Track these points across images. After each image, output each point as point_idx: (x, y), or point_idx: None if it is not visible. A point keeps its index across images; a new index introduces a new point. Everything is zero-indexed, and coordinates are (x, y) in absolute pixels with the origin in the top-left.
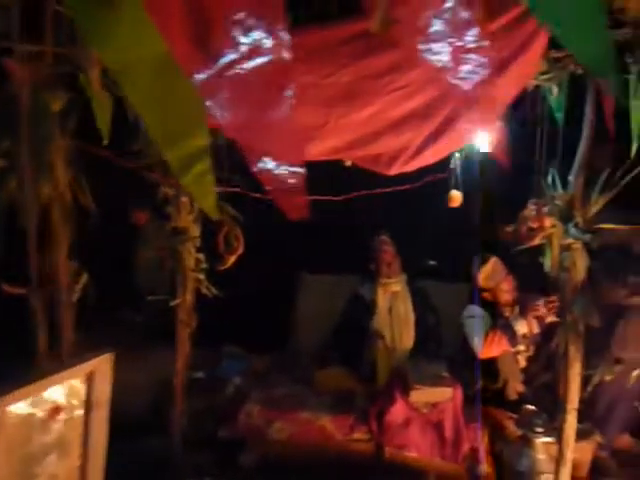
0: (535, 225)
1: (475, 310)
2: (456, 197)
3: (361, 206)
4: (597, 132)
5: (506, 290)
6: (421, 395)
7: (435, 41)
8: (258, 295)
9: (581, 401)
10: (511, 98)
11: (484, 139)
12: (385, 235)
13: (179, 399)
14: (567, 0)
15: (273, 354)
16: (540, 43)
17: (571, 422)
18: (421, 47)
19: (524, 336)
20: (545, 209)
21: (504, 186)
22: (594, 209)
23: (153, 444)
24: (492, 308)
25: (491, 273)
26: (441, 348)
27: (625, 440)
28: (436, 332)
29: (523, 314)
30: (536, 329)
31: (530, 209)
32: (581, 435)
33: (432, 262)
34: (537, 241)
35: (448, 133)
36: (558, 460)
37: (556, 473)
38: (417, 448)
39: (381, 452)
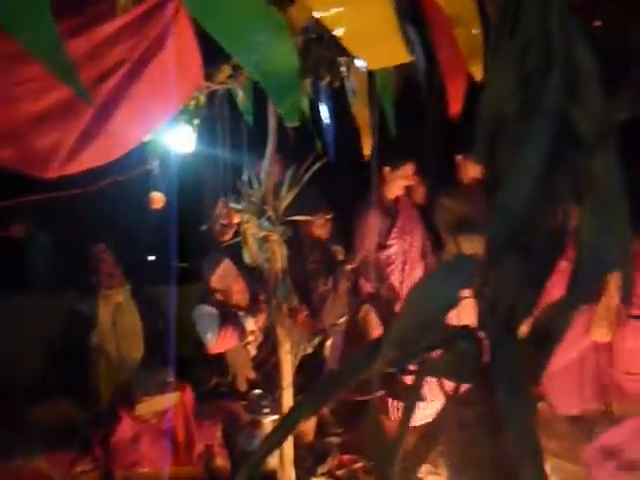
0: (226, 222)
1: (205, 309)
2: (157, 198)
3: (62, 214)
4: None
5: (237, 291)
6: (147, 406)
7: None
8: None
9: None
10: (177, 98)
11: (181, 137)
12: (102, 244)
13: None
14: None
15: None
16: (186, 35)
17: (287, 397)
18: None
19: (252, 332)
20: (235, 206)
21: (207, 185)
22: (285, 203)
23: None
24: (224, 306)
25: (222, 274)
26: (172, 352)
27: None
28: (166, 337)
29: (253, 312)
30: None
31: (220, 207)
32: None
33: (182, 264)
34: (228, 236)
35: (108, 133)
36: None
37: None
38: (149, 461)
39: (110, 478)
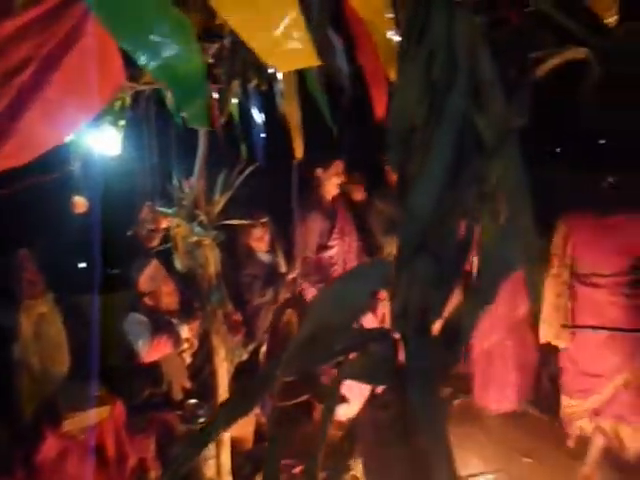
0: (153, 227)
1: (136, 317)
2: (80, 202)
3: None
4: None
5: (167, 293)
6: (75, 422)
7: None
8: None
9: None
10: (96, 99)
11: (106, 139)
12: (24, 250)
13: None
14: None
15: None
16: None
17: None
18: None
19: (187, 340)
20: (164, 210)
21: (134, 188)
22: (217, 207)
23: None
24: (155, 313)
25: (151, 276)
26: (96, 364)
27: None
28: (94, 348)
29: (187, 318)
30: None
31: (146, 211)
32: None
33: (111, 271)
34: (156, 242)
35: (19, 133)
36: (217, 442)
37: (217, 456)
38: None
39: None
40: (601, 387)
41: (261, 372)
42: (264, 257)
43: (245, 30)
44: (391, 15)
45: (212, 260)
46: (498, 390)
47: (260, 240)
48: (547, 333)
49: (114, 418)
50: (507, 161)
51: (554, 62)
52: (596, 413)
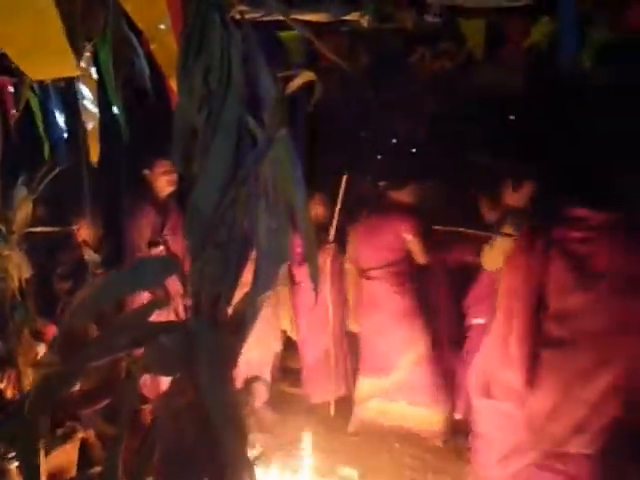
0: None
1: None
2: None
3: None
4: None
5: None
6: None
7: None
8: None
9: None
10: None
11: None
12: None
13: None
14: None
15: None
16: None
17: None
18: None
19: None
20: None
21: None
22: (21, 214)
23: None
24: None
25: None
26: None
27: None
28: None
29: None
30: None
31: None
32: (61, 441)
33: None
34: None
35: None
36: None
37: None
38: None
39: None
40: (393, 364)
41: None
42: (93, 257)
43: (2, 36)
44: (166, 26)
45: (15, 273)
46: (320, 382)
47: (85, 243)
48: (349, 323)
49: None
50: (282, 161)
51: (297, 82)
52: (386, 393)
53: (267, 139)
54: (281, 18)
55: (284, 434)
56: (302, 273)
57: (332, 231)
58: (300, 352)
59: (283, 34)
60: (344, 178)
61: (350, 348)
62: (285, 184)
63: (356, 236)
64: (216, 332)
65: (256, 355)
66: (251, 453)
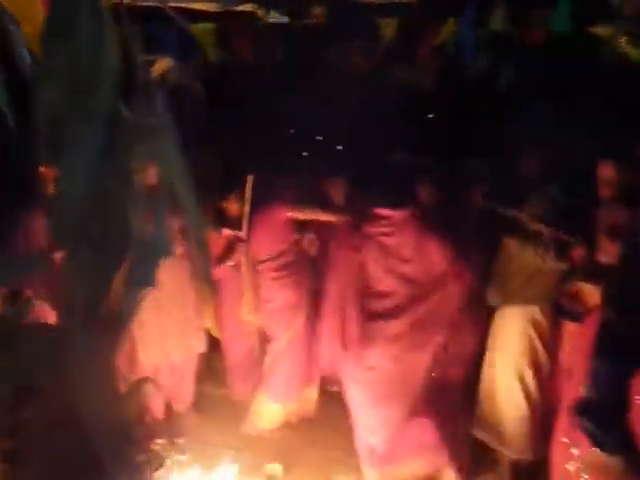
0: None
1: None
2: None
3: None
4: None
5: None
6: None
7: None
8: None
9: None
10: None
11: None
12: None
13: None
14: None
15: None
16: None
17: None
18: None
19: None
20: None
21: None
22: None
23: None
24: None
25: None
26: None
27: None
28: None
29: None
30: None
31: None
32: None
33: None
34: None
35: None
36: None
37: None
38: None
39: None
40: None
41: None
42: None
43: None
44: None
45: None
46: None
47: None
48: (244, 313)
49: None
50: (163, 152)
51: (158, 68)
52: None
53: (138, 127)
54: (158, 5)
55: (208, 435)
56: (221, 270)
57: (244, 229)
58: (224, 350)
59: (195, 28)
60: (250, 179)
61: None
62: (167, 176)
63: (253, 229)
64: (89, 332)
65: (178, 358)
66: (142, 457)
